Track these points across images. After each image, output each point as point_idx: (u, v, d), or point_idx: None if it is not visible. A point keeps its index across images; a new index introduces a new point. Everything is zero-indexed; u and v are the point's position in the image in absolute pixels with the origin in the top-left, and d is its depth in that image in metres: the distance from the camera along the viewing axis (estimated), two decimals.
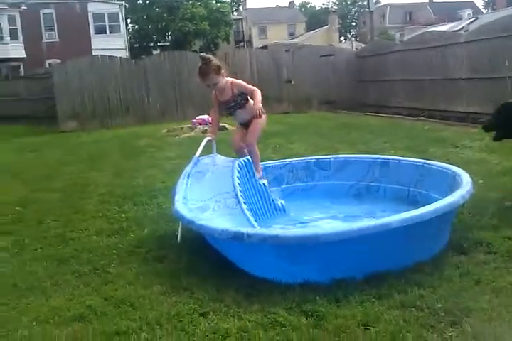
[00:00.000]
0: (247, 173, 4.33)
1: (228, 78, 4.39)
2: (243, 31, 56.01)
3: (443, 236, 3.52)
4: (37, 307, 3.01)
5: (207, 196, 3.90)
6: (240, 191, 3.92)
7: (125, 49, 31.96)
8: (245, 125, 4.53)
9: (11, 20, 28.62)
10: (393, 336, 2.44)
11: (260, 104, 4.30)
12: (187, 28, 36.99)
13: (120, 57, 17.56)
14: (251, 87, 4.44)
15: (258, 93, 4.34)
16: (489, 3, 64.81)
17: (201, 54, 4.47)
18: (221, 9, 39.39)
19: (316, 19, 65.93)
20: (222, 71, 4.31)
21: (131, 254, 3.81)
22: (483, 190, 4.63)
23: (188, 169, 4.31)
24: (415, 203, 4.09)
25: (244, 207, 3.80)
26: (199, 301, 2.92)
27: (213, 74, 4.25)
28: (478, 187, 4.23)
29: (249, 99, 4.45)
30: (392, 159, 4.87)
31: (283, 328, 2.59)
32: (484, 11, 59.11)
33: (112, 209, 5.18)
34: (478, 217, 4.02)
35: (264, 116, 4.44)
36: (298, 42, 39.96)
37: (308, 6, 78.37)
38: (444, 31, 16.85)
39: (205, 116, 11.81)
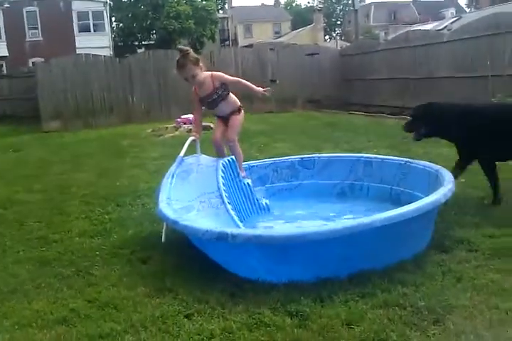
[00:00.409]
0: (232, 173, 4.33)
1: (207, 72, 4.39)
2: (228, 30, 55.89)
3: (426, 235, 3.55)
4: (19, 310, 2.98)
5: (191, 196, 3.89)
6: (225, 191, 3.93)
7: (109, 47, 31.71)
8: (224, 118, 4.53)
9: None
10: (377, 335, 2.47)
11: (258, 88, 4.45)
12: (172, 27, 36.78)
13: (104, 56, 17.43)
14: (232, 77, 4.50)
15: (244, 81, 4.46)
16: (472, 1, 65.32)
17: (179, 46, 4.48)
18: (206, 7, 39.19)
19: (301, 18, 65.97)
20: (201, 64, 4.31)
21: (114, 256, 3.79)
22: (465, 189, 4.68)
23: (172, 169, 4.30)
24: (398, 202, 4.13)
25: (229, 206, 3.80)
26: (183, 302, 2.91)
27: (191, 65, 4.25)
28: (460, 185, 4.27)
29: (229, 91, 4.47)
30: (375, 158, 4.90)
31: (268, 328, 2.60)
32: (467, 9, 59.62)
33: (95, 211, 5.14)
34: (460, 215, 4.07)
35: (242, 112, 4.54)
36: (283, 41, 40.00)
37: (294, 4, 78.32)
38: (428, 30, 16.98)
39: (190, 116, 11.75)
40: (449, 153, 6.95)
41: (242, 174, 4.48)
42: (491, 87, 10.43)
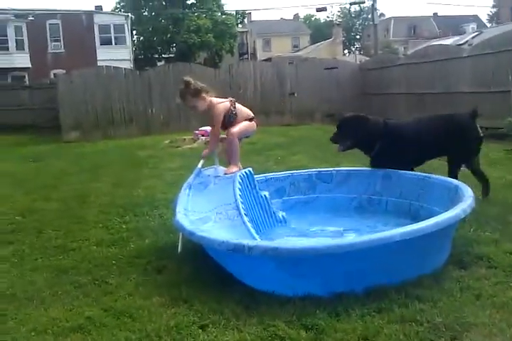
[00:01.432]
0: (249, 185, 4.33)
1: (216, 100, 4.38)
2: (247, 43, 56.34)
3: (444, 250, 3.51)
4: (36, 317, 3.00)
5: (208, 207, 3.90)
6: (241, 203, 3.92)
7: (130, 60, 32.15)
8: None
9: (18, 30, 28.85)
10: None
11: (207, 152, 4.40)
12: (192, 40, 37.21)
13: (125, 69, 17.67)
14: (216, 126, 4.39)
15: (216, 136, 4.40)
16: (493, 17, 65.15)
17: (183, 77, 4.46)
18: (226, 21, 39.63)
19: (320, 32, 66.28)
20: (203, 94, 4.31)
21: (131, 265, 3.81)
22: (485, 204, 4.63)
23: (190, 180, 4.33)
24: (417, 216, 4.09)
25: (246, 218, 3.79)
26: (198, 313, 2.91)
27: (190, 97, 4.29)
28: (479, 201, 4.22)
29: (237, 115, 4.44)
30: (394, 172, 4.86)
31: None
32: (488, 24, 59.39)
33: (112, 220, 5.18)
34: (480, 232, 4.02)
35: (253, 122, 4.56)
36: (302, 54, 40.17)
37: (313, 18, 78.75)
38: (448, 45, 16.95)
39: (208, 128, 11.79)
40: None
41: (234, 168, 4.38)
42: None
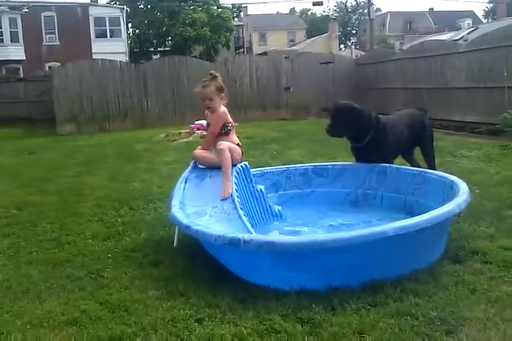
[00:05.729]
0: (245, 179, 4.33)
1: (224, 109, 4.32)
2: (243, 37, 56.14)
3: (439, 245, 3.53)
4: (31, 310, 2.99)
5: (204, 201, 3.89)
6: (237, 196, 3.93)
7: (125, 53, 32.00)
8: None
9: (12, 22, 28.65)
10: None
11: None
12: (187, 34, 37.04)
13: (120, 62, 17.62)
14: (218, 124, 4.26)
15: (222, 153, 4.11)
16: (489, 12, 65.16)
17: (211, 71, 4.43)
18: (222, 15, 39.43)
19: (316, 26, 66.11)
20: (223, 94, 4.29)
21: (126, 259, 3.80)
22: (480, 200, 4.65)
23: (185, 174, 4.31)
24: (412, 211, 4.10)
25: (241, 212, 3.79)
26: (194, 307, 2.91)
27: (213, 88, 4.25)
28: (474, 196, 4.24)
29: (232, 131, 4.36)
30: (390, 167, 4.87)
31: (278, 335, 2.58)
32: (484, 20, 59.39)
33: (108, 213, 5.16)
34: (475, 227, 4.04)
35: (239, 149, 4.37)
36: (298, 49, 40.08)
37: (309, 13, 78.51)
38: (443, 40, 16.94)
39: (203, 122, 11.72)
40: (464, 163, 6.94)
41: (227, 189, 4.03)
42: (507, 98, 10.38)
